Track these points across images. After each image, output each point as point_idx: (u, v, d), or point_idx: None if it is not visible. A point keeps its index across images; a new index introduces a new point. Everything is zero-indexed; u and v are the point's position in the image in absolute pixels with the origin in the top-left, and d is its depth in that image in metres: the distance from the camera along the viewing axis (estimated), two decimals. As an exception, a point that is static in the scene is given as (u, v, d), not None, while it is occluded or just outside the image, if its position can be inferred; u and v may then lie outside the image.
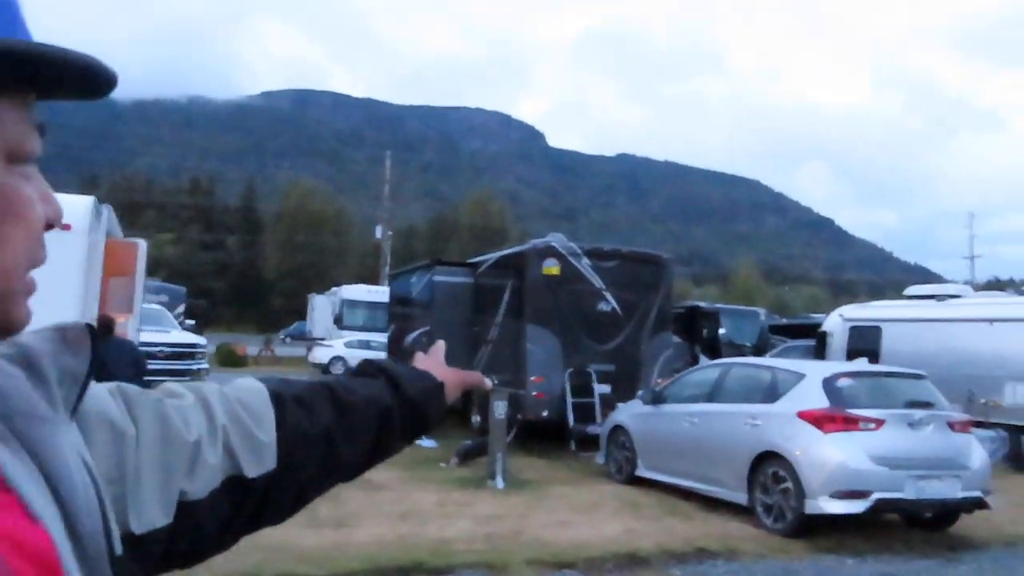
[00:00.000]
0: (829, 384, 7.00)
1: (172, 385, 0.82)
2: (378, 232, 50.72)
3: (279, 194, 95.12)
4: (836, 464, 6.56)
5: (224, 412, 0.80)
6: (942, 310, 14.17)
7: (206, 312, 35.46)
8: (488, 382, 1.21)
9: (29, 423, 0.57)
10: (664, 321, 12.48)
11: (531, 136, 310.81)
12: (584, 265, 11.91)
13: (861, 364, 8.96)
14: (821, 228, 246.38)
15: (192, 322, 26.72)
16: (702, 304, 37.28)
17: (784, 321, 34.16)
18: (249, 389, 0.86)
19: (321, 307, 35.01)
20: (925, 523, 7.41)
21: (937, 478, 6.64)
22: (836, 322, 16.13)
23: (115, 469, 0.68)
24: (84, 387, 0.64)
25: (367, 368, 1.02)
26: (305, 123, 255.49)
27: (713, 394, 8.22)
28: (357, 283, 37.45)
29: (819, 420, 6.75)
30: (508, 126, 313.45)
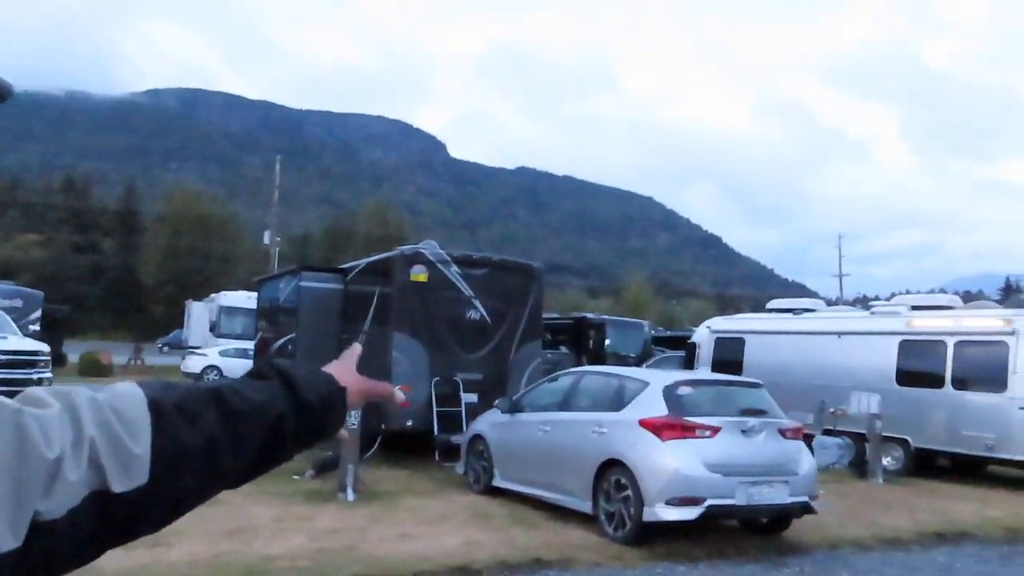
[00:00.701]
0: (669, 392, 7.12)
1: (38, 392, 0.75)
2: (266, 238, 49.09)
3: (164, 197, 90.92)
4: (672, 471, 6.66)
5: (93, 422, 0.74)
6: (798, 323, 14.86)
7: (67, 318, 33.17)
8: (400, 396, 1.16)
9: None
10: (534, 330, 12.51)
11: (433, 146, 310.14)
12: (453, 272, 11.80)
13: (701, 373, 9.18)
14: (710, 245, 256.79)
15: (36, 328, 24.91)
16: (589, 315, 37.96)
17: (668, 333, 35.25)
18: (125, 396, 0.79)
19: (198, 314, 33.47)
20: (761, 528, 7.63)
21: (767, 484, 6.84)
22: (704, 333, 16.66)
23: None
24: None
25: (263, 370, 0.95)
26: (195, 124, 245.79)
27: (565, 402, 8.24)
28: (244, 290, 36.06)
29: (658, 428, 6.84)
30: (409, 135, 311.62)
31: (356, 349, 1.10)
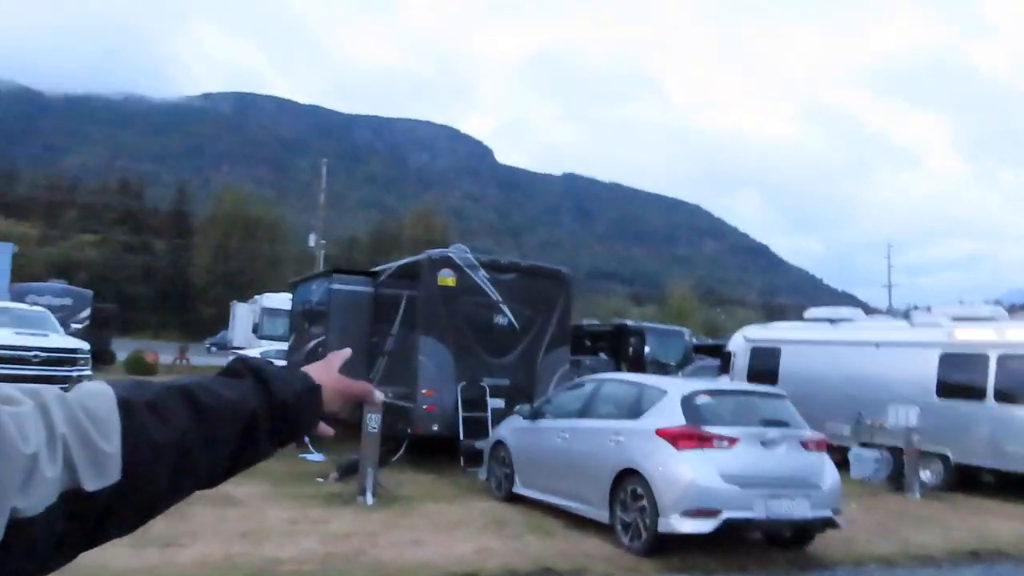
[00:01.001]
0: (687, 401, 6.99)
1: (7, 389, 0.74)
2: (312, 240, 49.91)
3: (214, 198, 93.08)
4: (687, 482, 6.54)
5: (64, 420, 0.74)
6: (835, 332, 14.51)
7: (115, 317, 34.09)
8: (379, 396, 1.14)
9: None
10: (562, 336, 12.43)
11: (479, 152, 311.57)
12: (481, 277, 11.80)
13: (721, 382, 9.01)
14: (757, 254, 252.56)
15: (84, 326, 25.64)
16: (629, 322, 37.78)
17: (709, 341, 34.80)
18: (94, 394, 0.79)
19: (242, 315, 34.06)
20: (784, 542, 7.44)
21: (787, 497, 6.66)
22: (739, 342, 16.38)
23: None
24: None
25: (236, 367, 0.94)
26: (247, 127, 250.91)
27: (584, 410, 8.16)
28: (286, 292, 36.64)
29: (674, 437, 6.72)
30: (456, 140, 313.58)
31: (345, 352, 1.10)
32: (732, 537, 7.40)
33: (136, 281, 79.51)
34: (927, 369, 12.54)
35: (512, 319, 11.88)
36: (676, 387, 7.29)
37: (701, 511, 6.44)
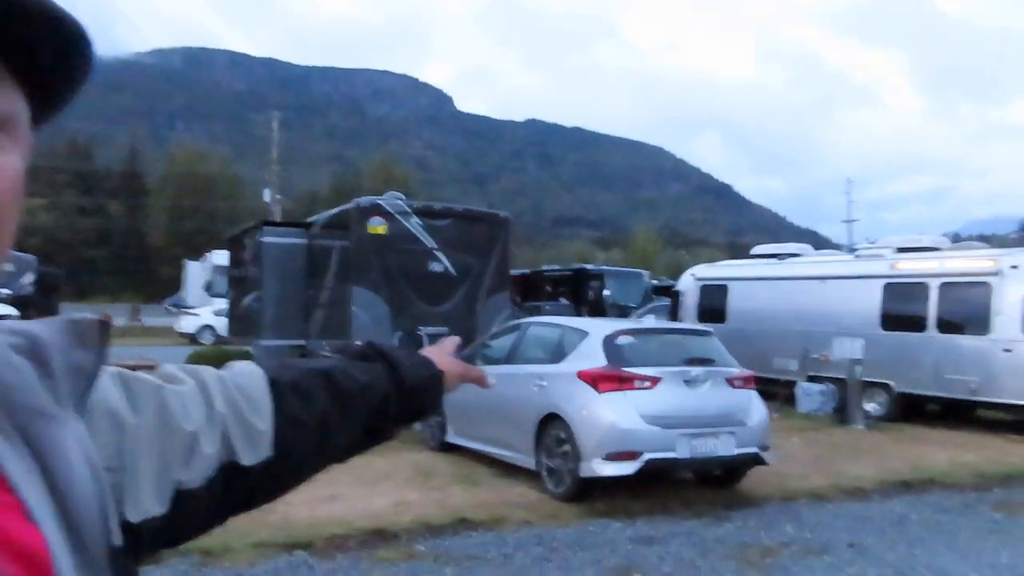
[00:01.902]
0: (608, 343, 6.74)
1: (171, 368, 0.79)
2: (267, 196, 48.88)
3: (167, 157, 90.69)
4: (608, 424, 6.32)
5: (222, 399, 0.79)
6: (782, 268, 14.39)
7: (61, 281, 33.11)
8: (490, 381, 1.21)
9: (32, 418, 0.56)
10: (502, 281, 12.12)
11: (440, 100, 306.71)
12: (414, 224, 11.37)
13: (645, 322, 8.79)
14: (721, 194, 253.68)
15: (23, 293, 24.81)
16: (588, 266, 37.66)
17: (669, 283, 34.82)
18: (247, 374, 0.84)
19: (194, 274, 33.29)
20: (715, 481, 7.31)
21: (712, 435, 6.49)
22: (688, 281, 16.23)
23: (115, 458, 0.67)
24: (92, 382, 0.63)
25: (367, 351, 1.01)
26: (200, 83, 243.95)
27: (512, 354, 7.89)
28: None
29: (595, 379, 6.48)
30: (416, 90, 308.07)
31: (455, 339, 1.16)
32: (659, 478, 7.27)
33: (91, 244, 77.72)
34: (871, 301, 12.48)
35: (448, 265, 11.51)
36: (598, 328, 7.02)
37: (622, 454, 6.24)
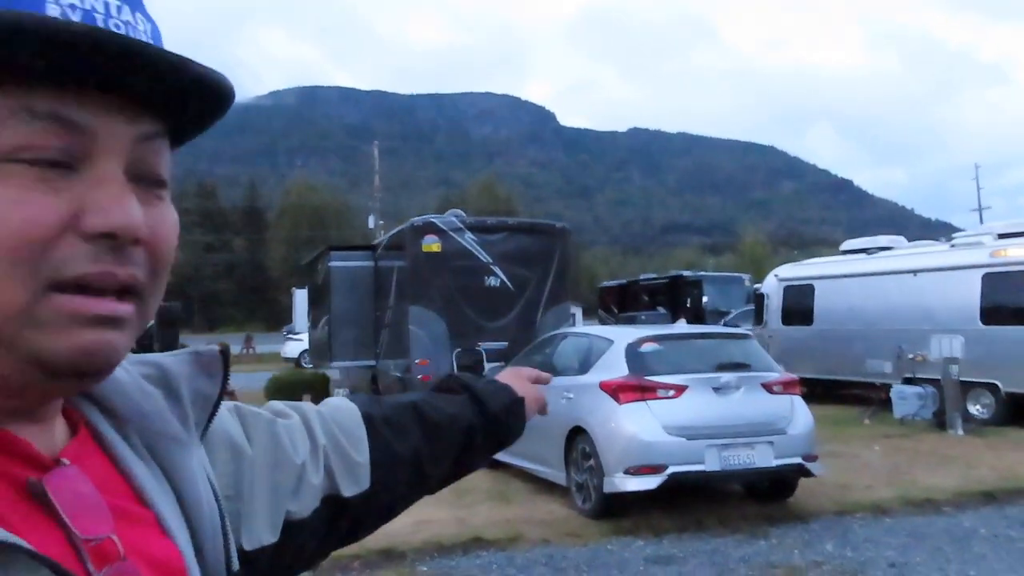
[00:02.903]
0: (631, 351, 6.39)
1: (278, 404, 0.83)
2: (371, 222, 50.64)
3: (283, 192, 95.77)
4: (628, 437, 5.98)
5: (323, 433, 0.82)
6: (872, 264, 13.42)
7: (181, 316, 35.23)
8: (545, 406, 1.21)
9: (165, 443, 0.60)
10: (561, 292, 11.86)
11: (542, 117, 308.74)
12: (468, 240, 11.33)
13: (676, 327, 8.32)
14: (840, 190, 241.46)
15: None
16: (685, 272, 36.70)
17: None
18: (343, 410, 0.88)
19: (300, 301, 34.62)
20: (765, 495, 6.79)
21: (746, 446, 6.01)
22: (772, 283, 15.42)
23: (232, 487, 0.70)
24: (215, 410, 0.67)
25: (450, 384, 1.04)
26: (314, 119, 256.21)
27: (545, 366, 7.64)
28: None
29: (615, 390, 6.16)
30: (518, 108, 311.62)
31: (525, 371, 1.15)
32: (701, 492, 6.83)
33: (218, 278, 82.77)
34: (969, 293, 11.40)
35: (505, 279, 11.39)
36: (622, 336, 6.68)
37: (645, 467, 5.88)
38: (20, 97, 0.48)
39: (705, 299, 31.47)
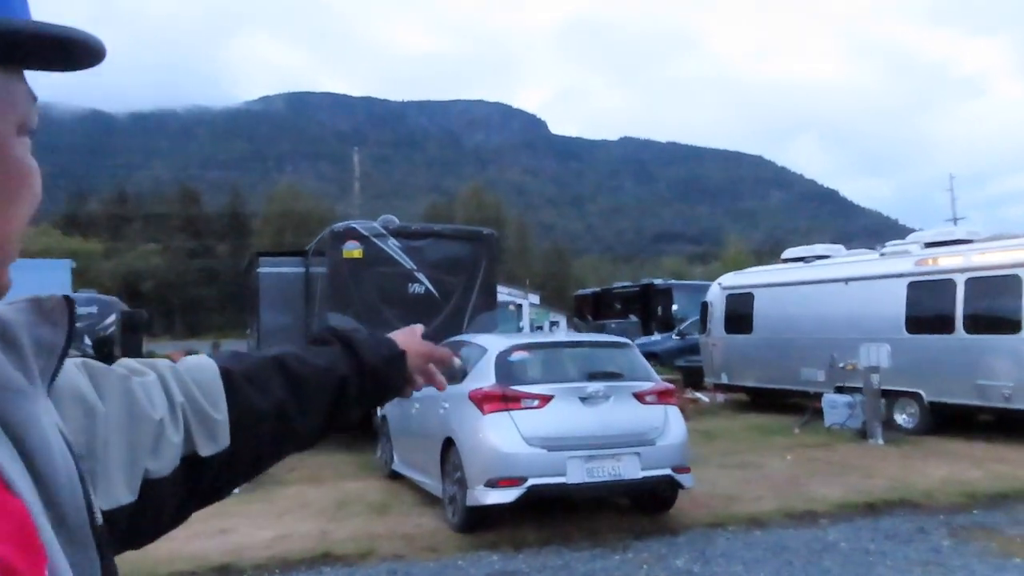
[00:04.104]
0: (500, 360, 6.26)
1: (131, 362, 0.80)
2: (351, 229, 50.22)
3: (267, 199, 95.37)
4: (488, 448, 5.84)
5: (180, 390, 0.80)
6: (807, 272, 13.36)
7: (143, 320, 34.94)
8: (456, 361, 1.23)
9: (3, 395, 0.57)
10: (488, 300, 11.75)
11: (533, 125, 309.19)
12: (391, 246, 11.20)
13: (551, 335, 8.21)
14: (826, 200, 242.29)
15: (105, 332, 26.41)
16: (656, 281, 36.65)
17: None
18: (200, 367, 0.85)
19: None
20: (649, 507, 6.66)
21: (612, 457, 5.89)
22: (715, 291, 15.34)
23: (85, 445, 0.67)
24: (61, 360, 0.64)
25: (324, 336, 1.03)
26: (304, 125, 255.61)
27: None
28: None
29: (480, 400, 6.02)
30: (510, 116, 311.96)
31: (418, 328, 1.17)
32: (589, 505, 6.71)
33: (200, 284, 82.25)
34: (896, 302, 11.36)
35: (430, 286, 11.26)
36: (496, 345, 6.55)
37: (504, 480, 5.75)
38: (22, 82, 0.57)
39: (675, 307, 31.40)
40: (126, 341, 30.27)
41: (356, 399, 0.98)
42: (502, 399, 5.95)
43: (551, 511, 6.42)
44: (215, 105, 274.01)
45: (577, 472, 5.80)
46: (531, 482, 5.72)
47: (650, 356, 20.11)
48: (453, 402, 6.47)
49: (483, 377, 6.26)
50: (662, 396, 6.34)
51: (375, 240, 11.12)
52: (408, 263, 11.22)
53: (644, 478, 5.96)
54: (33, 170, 0.57)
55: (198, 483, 0.80)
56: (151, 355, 30.24)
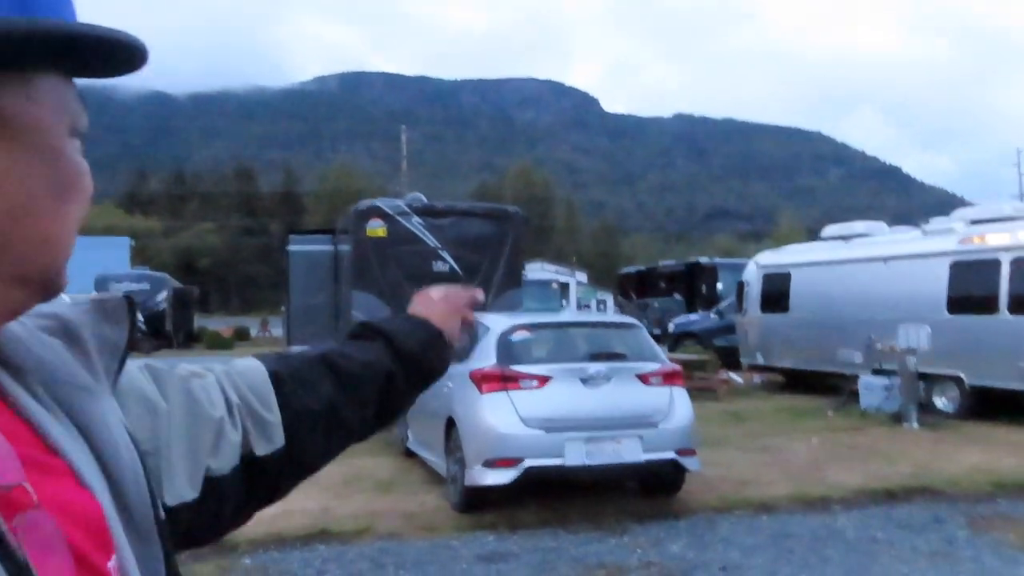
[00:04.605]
0: (501, 340, 6.17)
1: (190, 366, 0.83)
2: (401, 207, 50.72)
3: (320, 177, 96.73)
4: (485, 428, 5.78)
5: (233, 391, 0.82)
6: (846, 251, 12.91)
7: (198, 299, 35.88)
8: (479, 295, 1.22)
9: (73, 393, 0.58)
10: (513, 278, 11.65)
11: (585, 102, 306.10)
12: (415, 224, 11.17)
13: (557, 315, 8.05)
14: (887, 176, 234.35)
15: (157, 308, 27.32)
16: (702, 259, 36.01)
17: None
18: (250, 369, 0.87)
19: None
20: (655, 492, 6.52)
21: (612, 440, 5.76)
22: (752, 270, 14.95)
23: (149, 442, 0.69)
24: (124, 358, 0.65)
25: (363, 331, 1.03)
26: (359, 104, 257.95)
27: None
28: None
29: (480, 380, 5.95)
30: (561, 94, 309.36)
31: (433, 291, 1.15)
32: (596, 487, 6.60)
33: (255, 262, 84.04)
34: (937, 282, 10.88)
35: (454, 264, 11.21)
36: (499, 324, 6.45)
37: (501, 460, 5.68)
38: (72, 86, 0.57)
39: (720, 286, 30.82)
40: (177, 317, 31.20)
41: (405, 389, 0.99)
42: (501, 379, 5.87)
43: (555, 493, 6.34)
44: (272, 85, 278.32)
45: (575, 454, 5.69)
46: (527, 463, 5.65)
47: (688, 335, 19.87)
48: (456, 381, 6.41)
49: (485, 357, 6.19)
50: (668, 378, 6.17)
51: (399, 218, 11.10)
52: (432, 241, 11.18)
53: (647, 461, 5.82)
54: (85, 171, 0.58)
55: (256, 483, 0.81)
56: (201, 331, 30.98)
